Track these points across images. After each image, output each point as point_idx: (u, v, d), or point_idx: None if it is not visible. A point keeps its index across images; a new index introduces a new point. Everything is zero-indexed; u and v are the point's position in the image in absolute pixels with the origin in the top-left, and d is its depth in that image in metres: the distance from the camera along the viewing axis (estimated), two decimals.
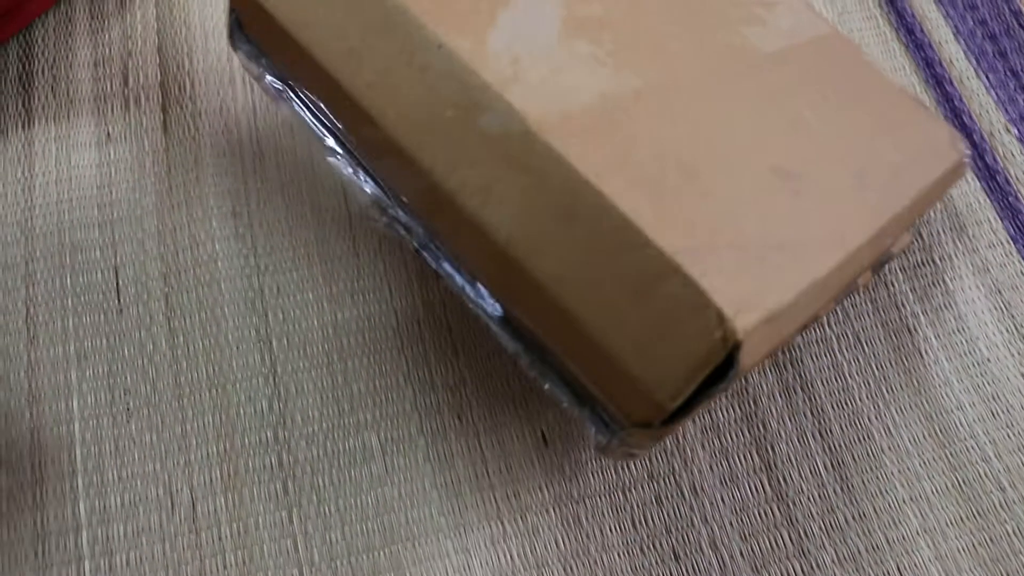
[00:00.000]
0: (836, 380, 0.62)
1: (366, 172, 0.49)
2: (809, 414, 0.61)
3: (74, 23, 0.72)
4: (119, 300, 0.62)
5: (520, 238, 0.41)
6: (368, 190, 0.49)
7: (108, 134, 0.68)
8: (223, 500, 0.57)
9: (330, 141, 0.50)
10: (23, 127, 0.68)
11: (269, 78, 0.53)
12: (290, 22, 0.48)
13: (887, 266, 0.66)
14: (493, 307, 0.47)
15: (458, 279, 0.48)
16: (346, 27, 0.46)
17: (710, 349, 0.37)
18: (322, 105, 0.51)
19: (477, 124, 0.42)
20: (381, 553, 0.56)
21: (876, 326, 0.64)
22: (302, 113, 0.53)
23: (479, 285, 0.47)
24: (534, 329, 0.44)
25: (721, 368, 0.38)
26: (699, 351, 0.37)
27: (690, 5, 0.58)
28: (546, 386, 0.46)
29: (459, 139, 0.43)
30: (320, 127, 0.52)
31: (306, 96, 0.52)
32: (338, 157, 0.50)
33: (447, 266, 0.48)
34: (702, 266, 0.38)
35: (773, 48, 0.58)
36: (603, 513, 0.58)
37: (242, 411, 0.59)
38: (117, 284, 0.63)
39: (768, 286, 0.41)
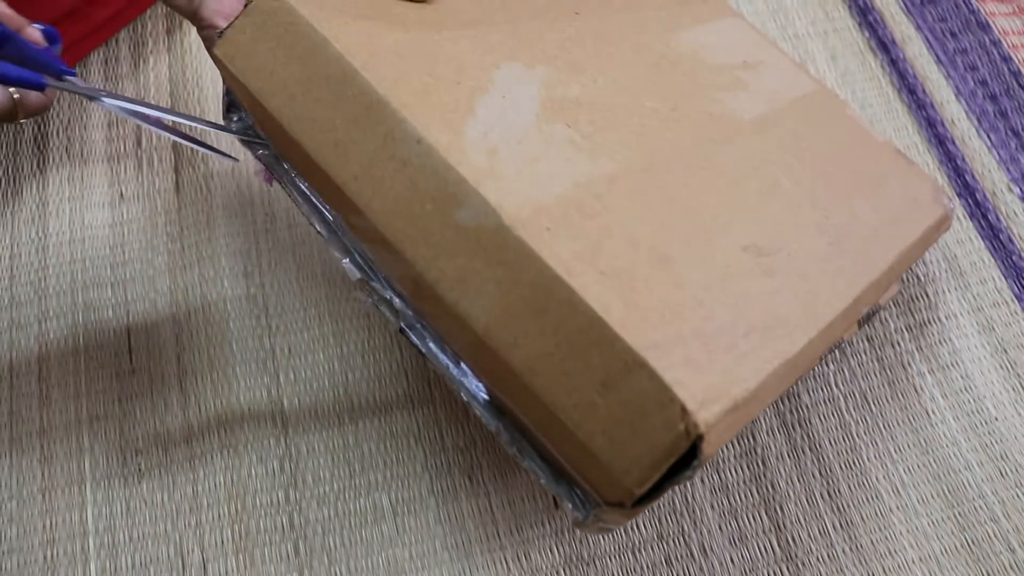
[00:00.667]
0: (844, 440, 0.62)
1: (355, 254, 0.49)
2: (817, 474, 0.61)
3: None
4: (131, 360, 0.63)
5: (496, 328, 0.42)
6: (356, 271, 0.49)
7: (121, 194, 0.69)
8: (234, 561, 0.57)
9: (318, 223, 0.51)
10: (38, 187, 0.69)
11: (262, 154, 0.54)
12: (279, 113, 0.48)
13: (892, 325, 0.67)
14: (476, 387, 0.47)
15: (442, 358, 0.48)
16: (333, 119, 0.47)
17: (674, 441, 0.38)
18: (314, 190, 0.51)
19: (454, 218, 0.43)
20: None
21: (883, 385, 0.64)
22: (295, 193, 0.53)
23: (463, 365, 0.47)
24: (514, 411, 0.45)
25: (685, 457, 0.38)
26: (664, 442, 0.38)
27: (671, 74, 0.58)
28: (525, 463, 0.46)
29: (438, 232, 0.43)
30: (310, 208, 0.52)
31: (299, 180, 0.52)
32: (325, 237, 0.51)
33: (432, 346, 0.48)
34: (668, 360, 0.39)
35: (753, 114, 0.58)
36: (613, 574, 0.58)
37: (253, 472, 0.60)
38: (129, 344, 0.63)
39: (735, 374, 0.42)
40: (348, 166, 0.46)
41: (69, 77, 0.52)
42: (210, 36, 0.54)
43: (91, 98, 0.52)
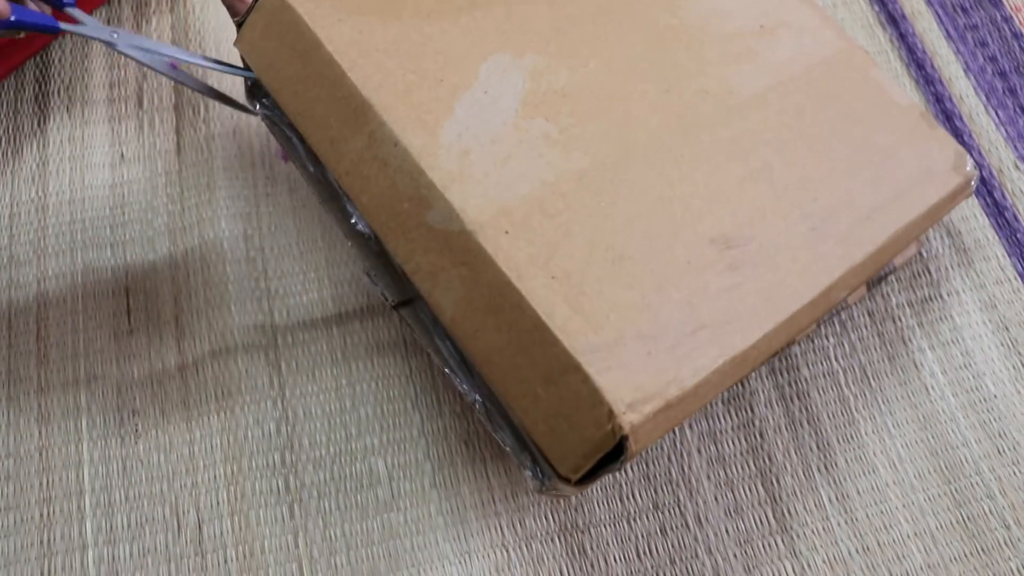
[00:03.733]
0: (842, 414, 0.62)
1: (361, 223, 0.52)
2: (815, 447, 0.61)
3: (90, 45, 0.73)
4: (130, 321, 0.62)
5: (460, 321, 0.46)
6: (364, 231, 0.51)
7: (122, 155, 0.68)
8: (229, 523, 0.57)
9: (326, 204, 0.55)
10: (38, 147, 0.68)
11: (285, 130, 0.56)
12: (286, 107, 0.51)
13: (894, 300, 0.66)
14: (458, 362, 0.50)
15: (430, 334, 0.51)
16: (328, 117, 0.50)
17: (603, 438, 0.42)
18: (323, 168, 0.54)
19: (426, 218, 0.47)
20: None
21: (883, 360, 0.64)
22: (306, 174, 0.56)
23: (448, 340, 0.50)
24: (487, 387, 0.48)
25: (614, 452, 0.43)
26: (594, 438, 0.42)
27: (673, 50, 0.58)
28: (496, 433, 0.49)
29: (414, 229, 0.47)
30: (319, 190, 0.55)
31: (309, 163, 0.55)
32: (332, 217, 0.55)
33: (424, 318, 0.51)
34: (604, 363, 0.43)
35: (756, 88, 0.58)
36: (607, 543, 0.58)
37: (250, 434, 0.60)
38: (128, 305, 0.63)
39: (673, 374, 0.45)
40: (341, 162, 0.49)
41: (80, 19, 0.52)
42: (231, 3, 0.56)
43: (107, 44, 0.52)
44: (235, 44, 0.52)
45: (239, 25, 0.52)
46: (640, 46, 0.57)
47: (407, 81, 0.49)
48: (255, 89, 0.57)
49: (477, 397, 0.49)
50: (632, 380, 0.43)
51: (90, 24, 0.53)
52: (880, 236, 0.54)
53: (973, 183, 0.61)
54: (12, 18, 0.50)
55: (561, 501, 0.59)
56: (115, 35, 0.53)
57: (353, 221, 0.51)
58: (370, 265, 0.53)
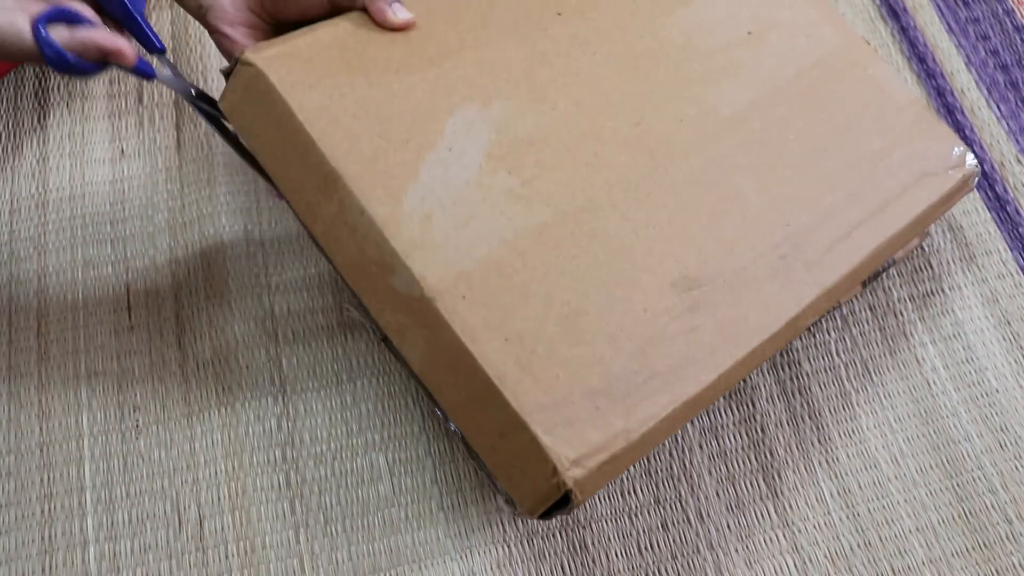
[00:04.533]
0: (843, 409, 0.62)
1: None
2: (816, 442, 0.61)
3: None
4: (130, 317, 0.62)
5: (427, 373, 0.50)
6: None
7: (122, 151, 0.68)
8: (230, 518, 0.57)
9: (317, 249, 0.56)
10: (38, 143, 0.68)
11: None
12: (269, 169, 0.53)
13: (895, 294, 0.66)
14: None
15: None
16: (303, 182, 0.51)
17: (548, 491, 0.46)
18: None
19: (391, 282, 0.49)
20: (387, 574, 0.56)
21: (884, 355, 0.64)
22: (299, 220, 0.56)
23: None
24: None
25: (562, 501, 0.46)
26: (542, 489, 0.46)
27: (649, 75, 0.58)
28: (474, 461, 0.52)
29: (382, 290, 0.49)
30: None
31: None
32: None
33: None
34: (551, 422, 0.46)
35: (736, 107, 0.58)
36: (609, 538, 0.58)
37: (251, 430, 0.60)
38: (128, 301, 0.63)
39: (621, 427, 0.47)
40: (316, 224, 0.52)
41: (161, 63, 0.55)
42: (219, 41, 0.56)
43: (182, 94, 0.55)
44: (219, 103, 0.53)
45: (226, 76, 0.53)
46: (613, 78, 0.57)
47: (374, 146, 0.50)
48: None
49: (455, 429, 0.51)
50: (578, 436, 0.47)
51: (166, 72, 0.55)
52: (857, 255, 0.55)
53: (973, 180, 0.61)
54: (154, 76, 0.53)
55: None
56: (192, 90, 0.55)
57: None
58: (358, 302, 0.54)
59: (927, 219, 0.58)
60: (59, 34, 0.48)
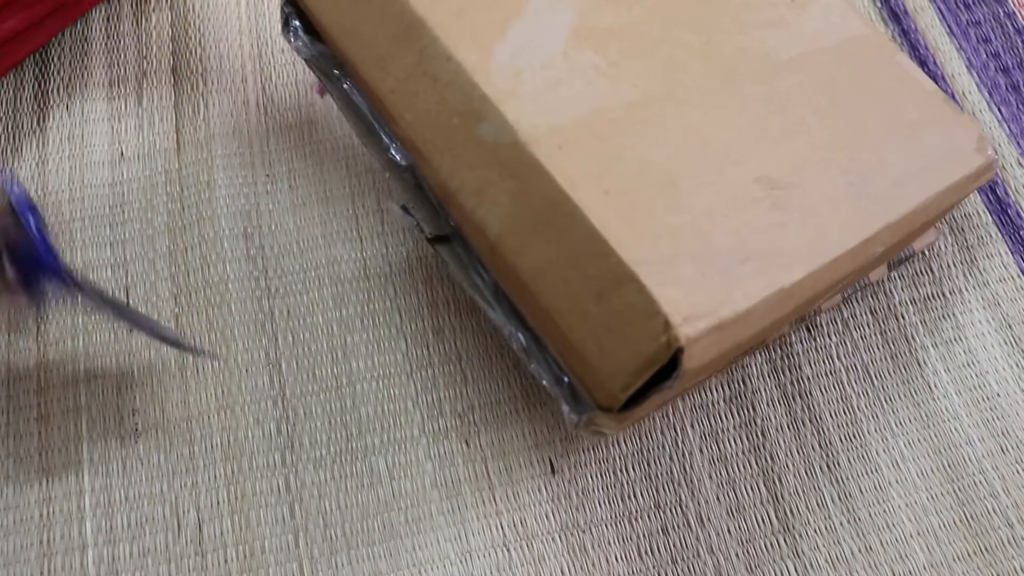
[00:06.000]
0: (844, 413, 0.62)
1: (398, 154, 0.53)
2: (817, 446, 0.61)
3: (90, 42, 0.72)
4: None
5: (507, 237, 0.46)
6: (402, 162, 0.52)
7: (122, 153, 0.68)
8: (229, 522, 0.57)
9: (363, 137, 0.55)
10: (37, 145, 0.68)
11: (319, 61, 0.57)
12: (330, 27, 0.52)
13: (896, 297, 0.66)
14: (494, 293, 0.50)
15: (464, 259, 0.51)
16: (376, 36, 0.51)
17: (657, 351, 0.42)
18: (361, 98, 0.54)
19: (476, 132, 0.47)
20: None
21: (886, 359, 0.64)
22: (352, 96, 0.56)
23: (484, 275, 0.50)
24: (524, 314, 0.48)
25: (667, 368, 0.42)
26: (647, 352, 0.42)
27: (711, 8, 0.59)
28: (531, 365, 0.49)
29: (461, 144, 0.48)
30: (356, 120, 0.55)
31: (352, 92, 0.55)
32: (370, 150, 0.55)
33: (460, 253, 0.51)
34: (659, 276, 0.43)
35: (789, 54, 0.59)
36: (609, 542, 0.58)
37: (250, 433, 0.60)
38: (128, 303, 0.63)
39: (725, 296, 0.44)
40: (387, 80, 0.50)
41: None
42: None
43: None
44: None
45: None
46: (680, 0, 0.58)
47: (460, 4, 0.50)
48: (292, 24, 0.57)
49: (514, 330, 0.49)
50: (687, 296, 0.43)
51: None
52: (912, 200, 0.55)
53: (996, 166, 0.61)
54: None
55: (562, 499, 0.58)
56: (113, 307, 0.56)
57: (391, 153, 0.52)
58: (407, 198, 0.53)
59: (955, 195, 0.59)
60: None
